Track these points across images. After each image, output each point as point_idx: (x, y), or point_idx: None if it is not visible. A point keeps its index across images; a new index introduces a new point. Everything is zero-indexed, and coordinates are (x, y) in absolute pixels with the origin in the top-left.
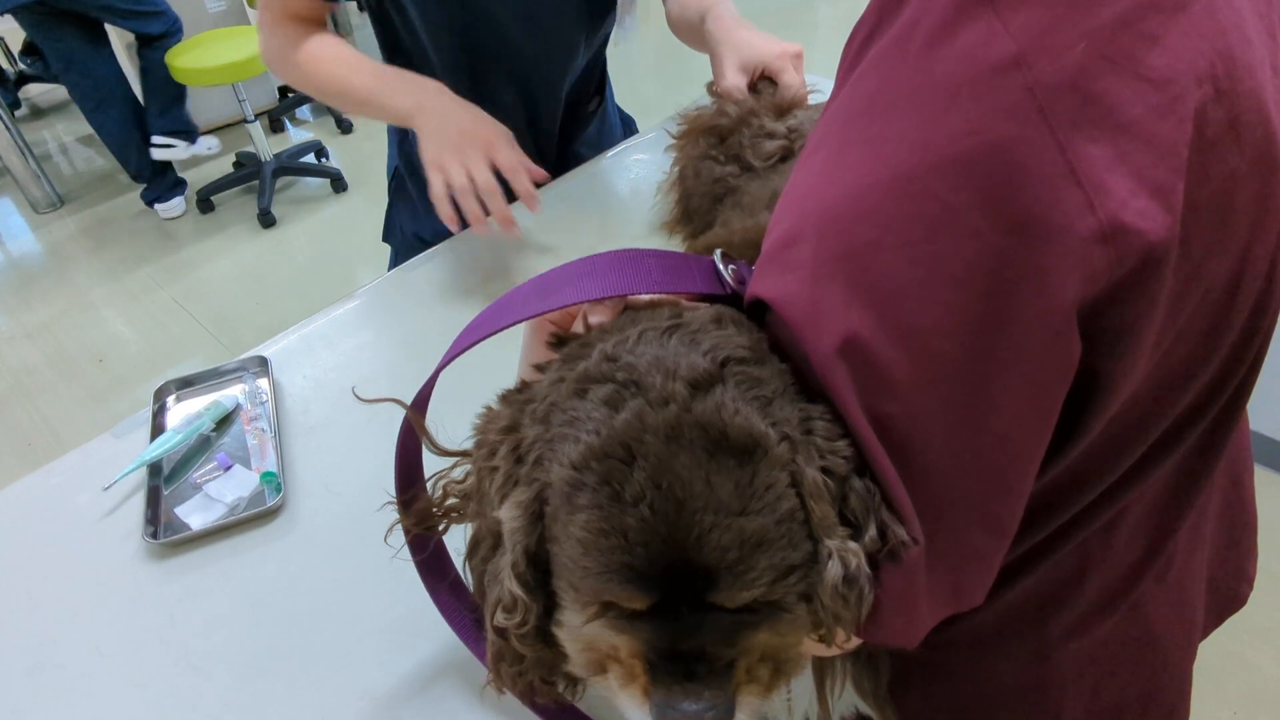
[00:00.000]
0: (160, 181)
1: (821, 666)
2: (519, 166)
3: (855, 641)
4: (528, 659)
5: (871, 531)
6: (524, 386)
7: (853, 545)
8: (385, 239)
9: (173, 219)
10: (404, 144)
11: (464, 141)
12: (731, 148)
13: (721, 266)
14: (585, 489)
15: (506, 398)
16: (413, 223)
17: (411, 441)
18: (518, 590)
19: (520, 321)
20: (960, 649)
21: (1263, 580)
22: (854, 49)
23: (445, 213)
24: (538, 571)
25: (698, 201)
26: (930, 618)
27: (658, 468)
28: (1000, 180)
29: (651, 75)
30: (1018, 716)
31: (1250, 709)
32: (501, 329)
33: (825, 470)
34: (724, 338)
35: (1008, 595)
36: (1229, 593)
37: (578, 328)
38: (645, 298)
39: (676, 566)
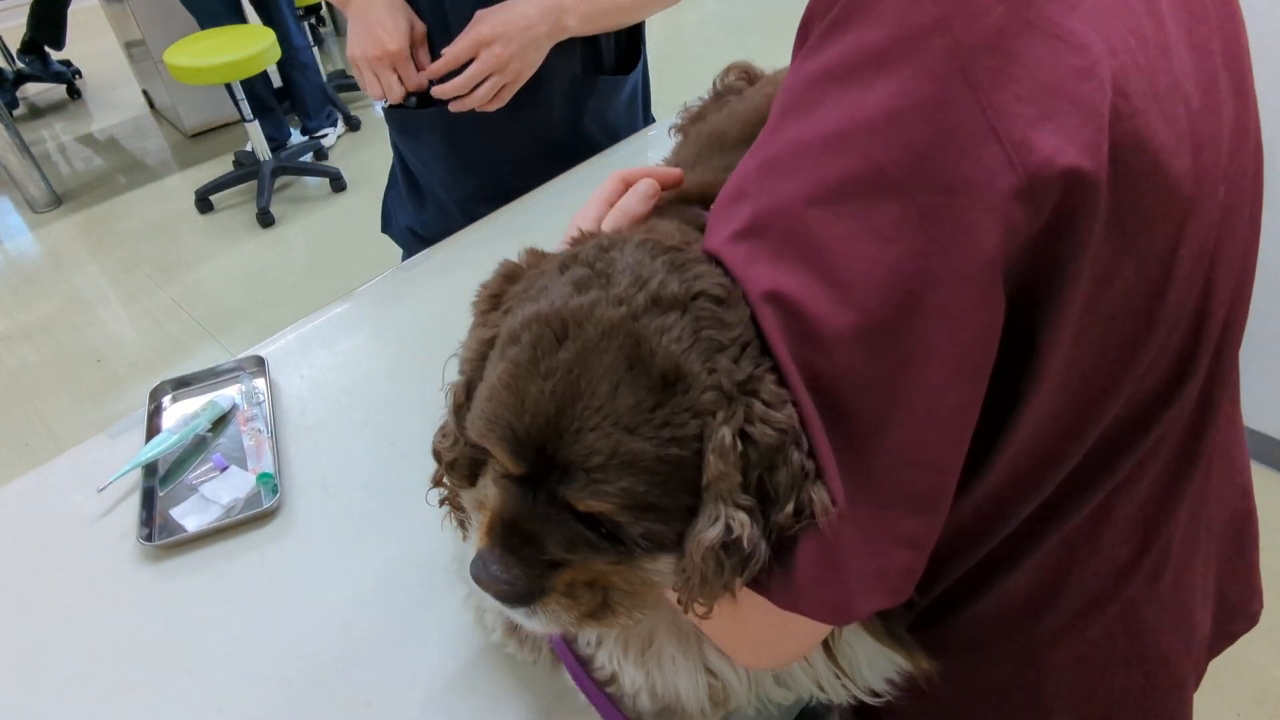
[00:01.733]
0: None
1: None
2: (413, 78)
3: (714, 615)
4: (454, 495)
5: (789, 507)
6: (539, 258)
7: (743, 515)
8: (384, 230)
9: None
10: (396, 146)
11: (370, 47)
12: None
13: None
14: (516, 345)
15: (522, 256)
16: (404, 216)
17: None
18: (451, 420)
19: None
20: (949, 649)
21: (1265, 580)
22: (802, 34)
23: (374, 92)
24: None
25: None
26: (862, 600)
27: (579, 355)
28: (926, 140)
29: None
30: (1006, 718)
31: (1254, 711)
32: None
33: (745, 436)
34: (709, 273)
35: (993, 593)
36: (1241, 609)
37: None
38: None
39: (548, 448)
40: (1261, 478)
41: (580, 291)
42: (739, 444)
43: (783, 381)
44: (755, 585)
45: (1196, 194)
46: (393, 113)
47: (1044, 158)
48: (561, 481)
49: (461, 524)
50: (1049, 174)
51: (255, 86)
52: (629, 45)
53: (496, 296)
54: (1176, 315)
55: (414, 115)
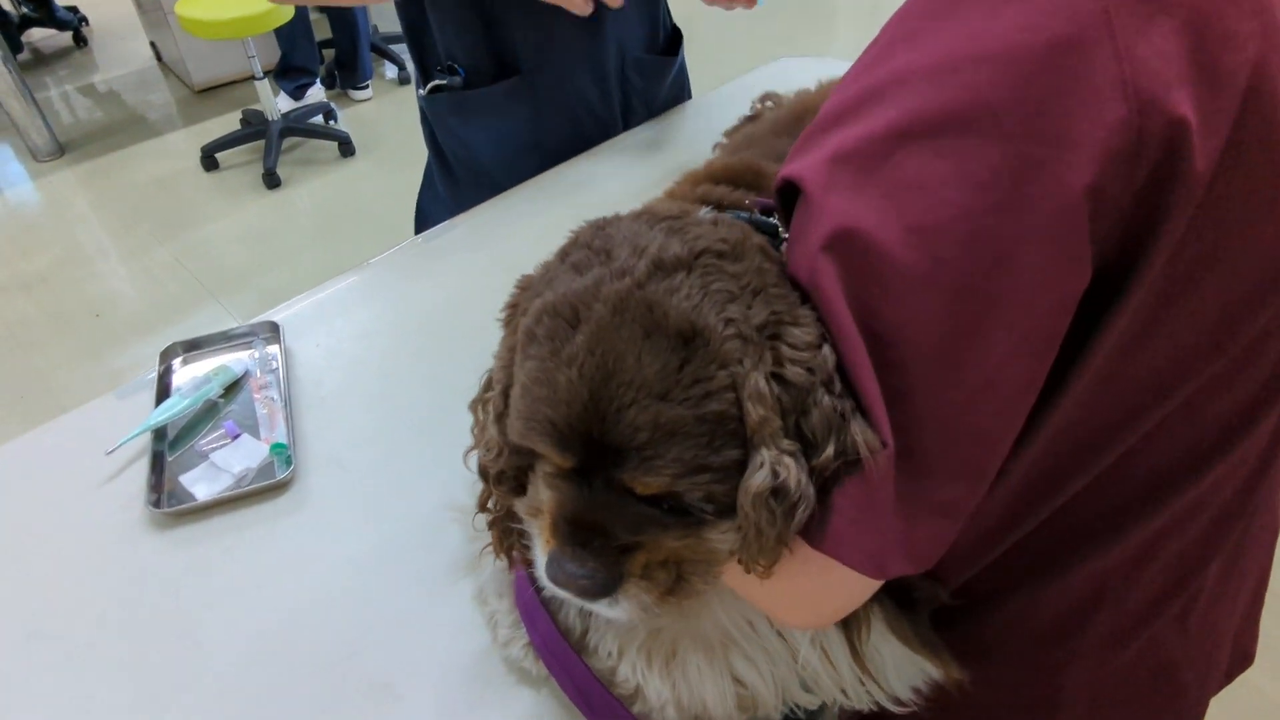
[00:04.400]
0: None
1: (845, 618)
2: None
3: (779, 572)
4: (505, 511)
5: (830, 450)
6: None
7: (789, 459)
8: (417, 231)
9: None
10: (433, 137)
11: None
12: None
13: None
14: (536, 340)
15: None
16: (442, 215)
17: None
18: (493, 431)
19: None
20: (968, 654)
21: (1267, 602)
22: None
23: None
24: None
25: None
26: (892, 559)
27: (596, 335)
28: (1047, 83)
29: None
30: None
31: None
32: None
33: (778, 378)
34: (709, 232)
35: (1017, 604)
36: (1244, 652)
37: None
38: None
39: (593, 435)
40: None
41: (582, 273)
42: (773, 387)
43: (814, 318)
44: (798, 532)
45: None
46: (435, 98)
47: (1165, 121)
48: (616, 465)
49: (508, 551)
50: (1162, 138)
51: (295, 37)
52: (674, 28)
53: (515, 305)
54: (1261, 348)
55: (458, 98)
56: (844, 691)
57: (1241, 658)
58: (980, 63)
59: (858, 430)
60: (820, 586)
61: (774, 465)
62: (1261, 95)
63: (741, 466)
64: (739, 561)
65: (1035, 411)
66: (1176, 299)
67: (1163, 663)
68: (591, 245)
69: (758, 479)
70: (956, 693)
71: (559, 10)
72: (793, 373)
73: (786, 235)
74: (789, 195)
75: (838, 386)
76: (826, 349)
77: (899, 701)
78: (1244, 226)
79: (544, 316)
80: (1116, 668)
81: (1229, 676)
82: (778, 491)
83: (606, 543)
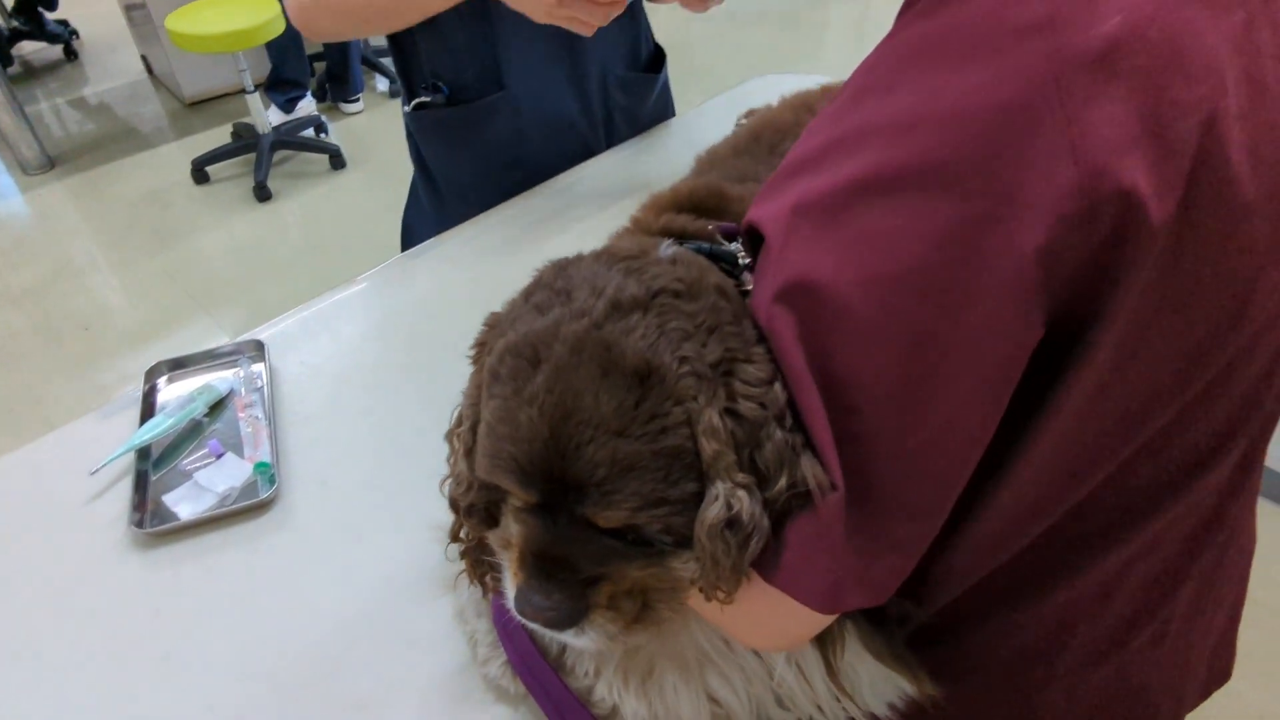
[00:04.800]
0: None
1: (821, 633)
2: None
3: (739, 597)
4: (476, 542)
5: (782, 482)
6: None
7: (742, 492)
8: (404, 249)
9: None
10: (418, 153)
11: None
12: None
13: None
14: (500, 379)
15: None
16: (429, 231)
17: None
18: (463, 465)
19: None
20: (944, 672)
21: (1256, 614)
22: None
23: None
24: None
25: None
26: (847, 594)
27: (555, 374)
28: (999, 144)
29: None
30: None
31: None
32: None
33: (732, 413)
34: (667, 271)
35: (995, 625)
36: (1221, 670)
37: None
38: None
39: (554, 471)
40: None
41: (543, 313)
42: (726, 422)
43: (767, 356)
44: (753, 563)
45: (1275, 244)
46: (420, 114)
47: (1116, 189)
48: (577, 500)
49: (481, 580)
50: (1114, 205)
51: (286, 50)
52: (657, 46)
53: (482, 344)
54: (1228, 379)
55: (442, 115)
56: (820, 708)
57: (1220, 675)
58: (938, 123)
59: (808, 465)
60: (779, 614)
61: (728, 498)
62: (1212, 152)
63: (698, 499)
64: (700, 590)
65: (1017, 449)
66: (1141, 343)
67: (1136, 685)
68: (553, 286)
69: (713, 511)
70: (932, 709)
71: (544, 26)
72: (746, 408)
73: (746, 260)
74: (756, 236)
75: (789, 421)
76: (779, 385)
77: (875, 718)
78: (1201, 273)
79: (507, 356)
80: (1091, 689)
81: (1205, 693)
82: (732, 523)
83: (572, 575)
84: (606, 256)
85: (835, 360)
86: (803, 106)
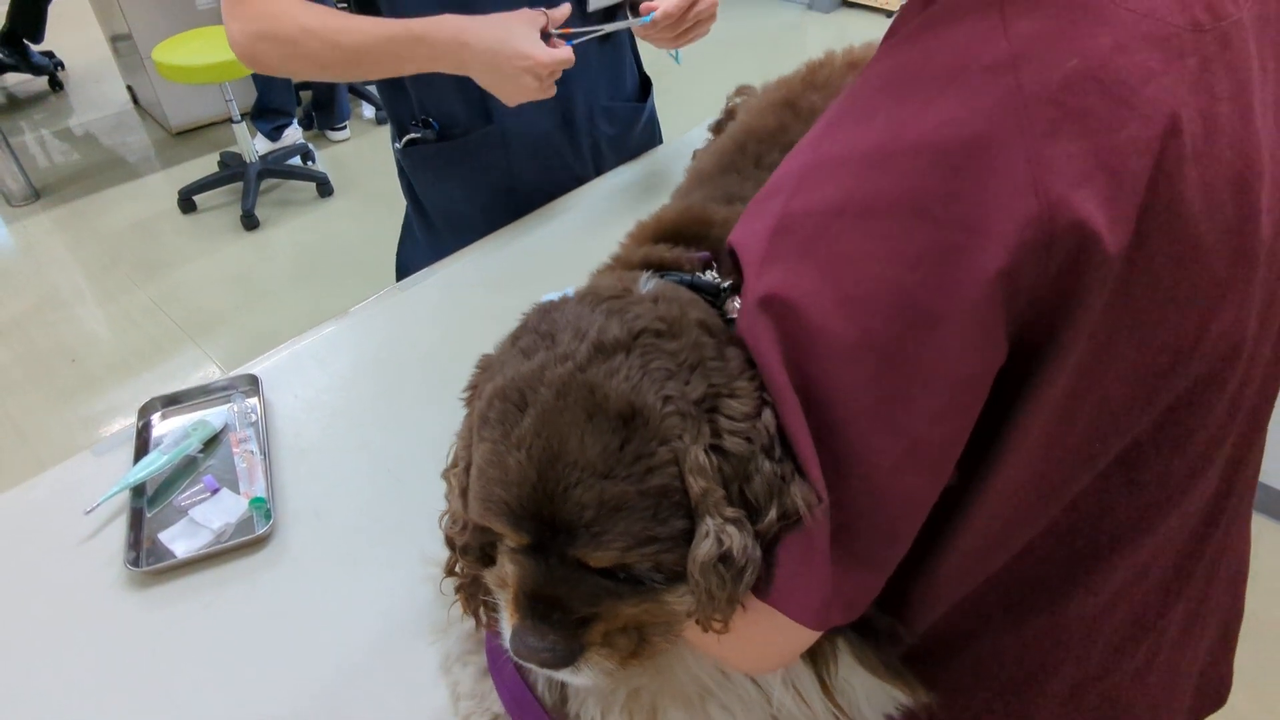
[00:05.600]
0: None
1: (813, 652)
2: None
3: (733, 627)
4: (471, 577)
5: (773, 513)
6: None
7: (731, 528)
8: (399, 279)
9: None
10: (410, 188)
11: (516, 72)
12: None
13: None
14: (489, 423)
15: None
16: (422, 265)
17: None
18: (458, 505)
19: None
20: (938, 690)
21: (1256, 630)
22: (893, 28)
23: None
24: None
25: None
26: (834, 610)
27: (542, 418)
28: (968, 175)
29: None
30: None
31: None
32: None
33: (718, 449)
34: (648, 311)
35: (983, 645)
36: (1214, 693)
37: None
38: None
39: (544, 514)
40: (1258, 528)
41: (529, 357)
42: (713, 459)
43: (752, 389)
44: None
45: (1230, 277)
46: (411, 150)
47: (1071, 220)
48: (568, 542)
49: (475, 614)
50: (1071, 235)
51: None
52: (644, 76)
53: (474, 387)
54: (1197, 405)
55: (433, 150)
56: None
57: (1212, 699)
58: (911, 152)
59: (797, 491)
60: (770, 632)
61: (718, 534)
62: (1164, 190)
63: (689, 535)
64: (696, 622)
65: (988, 469)
66: (1100, 365)
67: (1123, 712)
68: (538, 329)
69: (704, 548)
70: (927, 719)
71: None
72: (732, 443)
73: (726, 284)
74: (739, 256)
75: (777, 451)
76: (766, 415)
77: None
78: (1155, 299)
79: (495, 400)
80: (1078, 711)
81: (1197, 714)
82: (724, 558)
83: (566, 615)
84: (590, 297)
85: (815, 378)
86: (784, 105)
